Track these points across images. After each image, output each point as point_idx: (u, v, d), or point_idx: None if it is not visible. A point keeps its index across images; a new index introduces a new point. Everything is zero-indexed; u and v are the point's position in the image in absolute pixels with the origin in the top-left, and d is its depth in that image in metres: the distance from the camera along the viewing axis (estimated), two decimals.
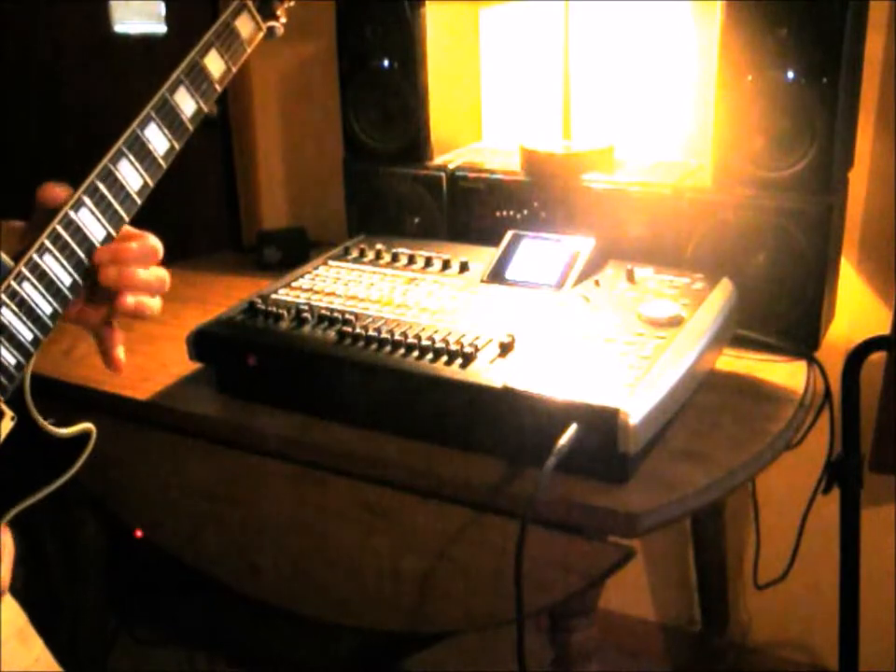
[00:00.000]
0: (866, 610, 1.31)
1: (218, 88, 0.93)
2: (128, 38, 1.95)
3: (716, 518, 1.61)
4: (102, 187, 0.83)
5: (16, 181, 1.94)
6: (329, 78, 1.56)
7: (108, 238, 0.84)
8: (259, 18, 0.98)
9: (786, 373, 1.23)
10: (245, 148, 1.94)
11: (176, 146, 0.89)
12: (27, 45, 1.99)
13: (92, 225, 0.83)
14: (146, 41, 1.94)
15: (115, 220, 0.84)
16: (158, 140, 0.87)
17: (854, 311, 1.46)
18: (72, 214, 0.81)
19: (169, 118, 0.88)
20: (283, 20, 1.04)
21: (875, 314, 1.46)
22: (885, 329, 1.44)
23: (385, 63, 1.48)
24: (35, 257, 0.79)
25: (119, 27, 1.94)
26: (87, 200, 0.82)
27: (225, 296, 1.55)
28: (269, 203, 1.98)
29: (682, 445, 1.06)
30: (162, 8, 1.90)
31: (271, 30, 1.02)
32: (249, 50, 0.97)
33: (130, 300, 0.83)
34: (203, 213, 1.99)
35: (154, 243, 0.85)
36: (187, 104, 0.89)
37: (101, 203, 0.83)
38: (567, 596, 1.03)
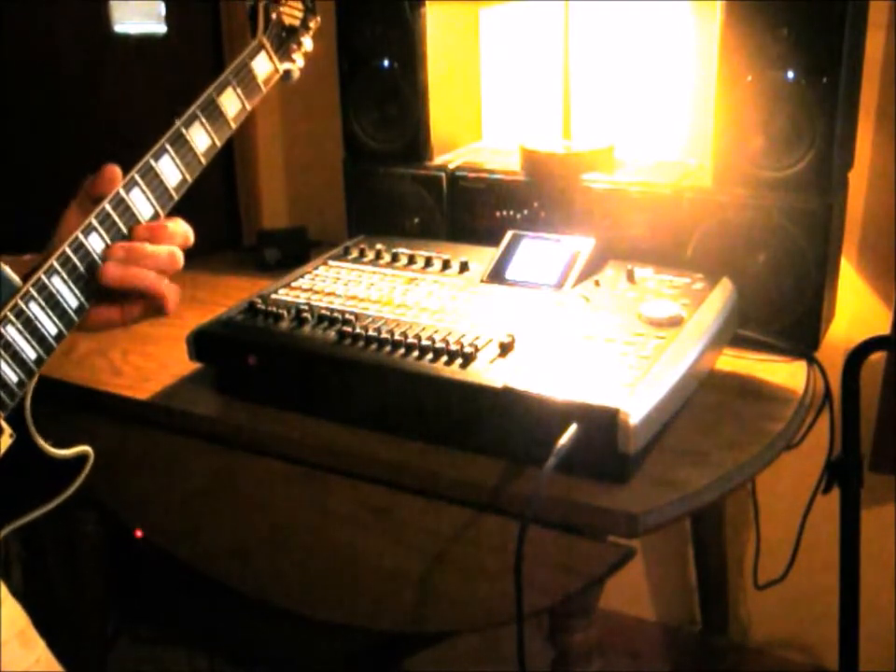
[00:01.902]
0: (866, 610, 1.31)
1: (233, 125, 0.95)
2: (128, 38, 1.95)
3: (716, 518, 1.61)
4: (113, 214, 0.84)
5: (15, 181, 1.94)
6: (329, 78, 1.56)
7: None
8: (275, 59, 0.99)
9: (786, 373, 1.23)
10: (245, 149, 1.94)
11: (189, 178, 0.90)
12: (27, 45, 1.99)
13: (101, 250, 0.83)
14: (146, 41, 1.94)
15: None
16: (171, 172, 0.88)
17: (854, 311, 1.46)
18: (82, 238, 0.82)
19: (183, 151, 0.89)
20: (300, 63, 1.04)
21: (875, 314, 1.46)
22: (885, 329, 1.44)
23: (385, 62, 1.48)
24: (44, 278, 0.80)
25: (119, 27, 1.94)
26: (97, 225, 0.83)
27: (225, 296, 1.55)
28: (269, 203, 1.98)
29: (682, 445, 1.06)
30: (162, 8, 1.90)
31: (287, 73, 1.03)
32: (265, 91, 0.98)
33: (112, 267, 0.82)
34: (203, 213, 1.99)
35: (186, 227, 0.88)
36: (201, 139, 0.91)
37: (111, 230, 0.84)
38: (566, 596, 1.03)
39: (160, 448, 1.27)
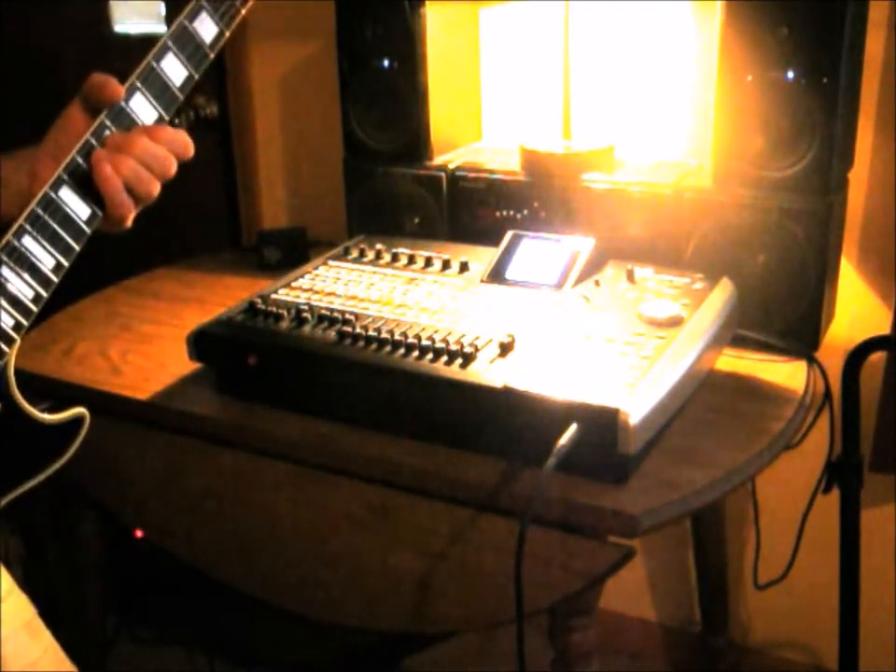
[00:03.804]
0: (866, 610, 1.31)
1: (211, 53, 0.87)
2: (128, 38, 1.95)
3: (716, 518, 1.61)
4: (82, 163, 0.81)
5: None
6: (329, 78, 1.56)
7: (93, 216, 0.82)
8: None
9: (786, 373, 1.23)
10: (244, 148, 1.94)
11: (165, 116, 0.85)
12: (27, 44, 1.99)
13: (75, 204, 0.81)
14: (146, 41, 1.94)
15: (98, 199, 0.81)
16: (145, 111, 0.84)
17: (854, 311, 1.46)
18: (52, 194, 0.79)
19: (156, 86, 0.84)
20: None
21: (875, 314, 1.46)
22: (885, 329, 1.44)
23: (385, 62, 1.48)
24: (13, 240, 0.78)
25: (119, 27, 1.94)
26: (66, 178, 0.80)
27: (225, 296, 1.55)
28: (269, 203, 1.98)
29: (683, 445, 1.06)
30: (162, 8, 1.90)
31: None
32: (244, 12, 0.89)
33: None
34: (203, 213, 1.99)
35: (187, 137, 0.84)
36: (175, 71, 0.85)
37: (83, 183, 0.81)
38: (566, 596, 1.03)
39: (160, 448, 1.27)
